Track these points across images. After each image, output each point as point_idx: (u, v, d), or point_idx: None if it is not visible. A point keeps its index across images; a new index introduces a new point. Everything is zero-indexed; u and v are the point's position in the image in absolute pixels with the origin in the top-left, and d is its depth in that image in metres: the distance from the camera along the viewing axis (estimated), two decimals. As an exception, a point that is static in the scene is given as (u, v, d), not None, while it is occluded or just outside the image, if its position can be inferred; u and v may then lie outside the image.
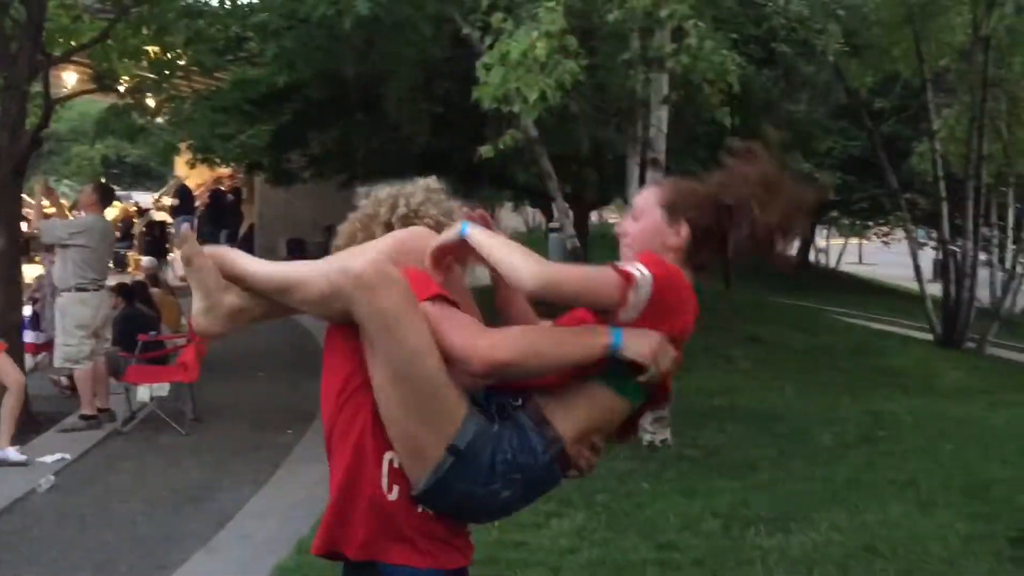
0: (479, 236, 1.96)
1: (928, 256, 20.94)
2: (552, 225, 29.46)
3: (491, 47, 5.72)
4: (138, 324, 8.55)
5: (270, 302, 2.06)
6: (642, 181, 7.07)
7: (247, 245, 17.89)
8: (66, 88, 10.09)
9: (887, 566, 4.32)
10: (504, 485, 1.90)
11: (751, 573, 4.33)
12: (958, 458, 6.49)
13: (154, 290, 10.30)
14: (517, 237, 2.02)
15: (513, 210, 33.32)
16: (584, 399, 1.95)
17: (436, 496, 1.90)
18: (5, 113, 7.15)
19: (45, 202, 8.50)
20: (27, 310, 8.74)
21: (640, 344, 1.89)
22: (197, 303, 2.05)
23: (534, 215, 30.57)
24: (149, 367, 7.86)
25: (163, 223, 17.96)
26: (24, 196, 8.46)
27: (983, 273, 15.64)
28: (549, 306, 1.97)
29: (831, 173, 20.44)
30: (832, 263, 35.14)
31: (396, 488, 1.92)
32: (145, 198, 20.29)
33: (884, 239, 32.26)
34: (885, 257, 34.58)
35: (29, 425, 6.96)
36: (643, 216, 2.09)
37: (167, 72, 7.81)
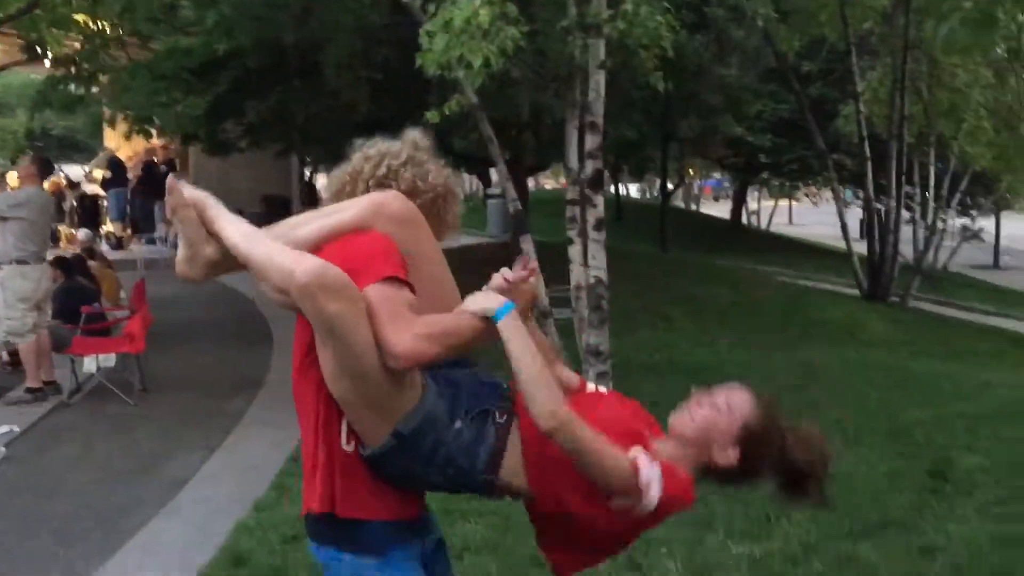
0: (511, 333, 1.96)
1: (855, 215, 21.63)
2: (490, 191, 29.52)
3: (434, 15, 5.80)
4: (79, 297, 8.48)
5: None
6: (581, 144, 7.25)
7: (183, 217, 17.62)
8: (-7, 60, 9.86)
9: (817, 501, 4.61)
10: (437, 473, 2.04)
11: (691, 512, 4.57)
12: (882, 403, 6.87)
13: (91, 263, 10.20)
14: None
15: (450, 177, 33.21)
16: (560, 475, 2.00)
17: (377, 465, 2.05)
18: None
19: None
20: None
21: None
22: (181, 251, 2.16)
23: (471, 182, 30.61)
24: (95, 339, 7.83)
25: (95, 196, 17.58)
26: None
27: (906, 230, 16.25)
28: None
29: (762, 135, 20.95)
30: (763, 224, 35.89)
31: (352, 443, 2.06)
32: (75, 171, 19.79)
33: (813, 199, 33.12)
34: (814, 217, 35.49)
35: (-29, 401, 6.91)
36: (721, 412, 2.08)
37: (100, 41, 7.68)
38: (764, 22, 10.34)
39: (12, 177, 10.87)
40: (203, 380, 8.15)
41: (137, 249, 14.80)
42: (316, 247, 2.05)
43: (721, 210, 37.52)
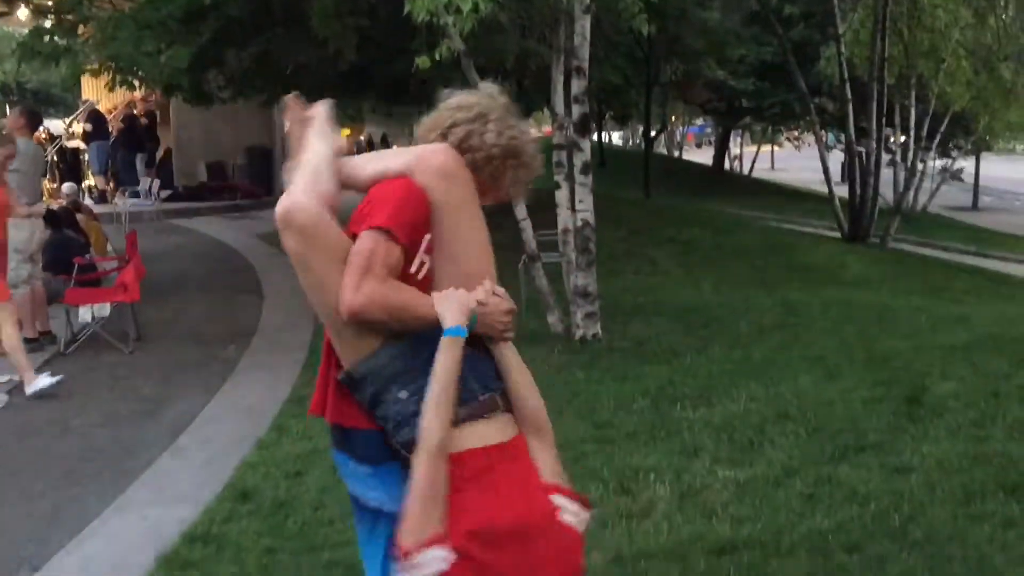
0: (445, 353, 2.04)
1: (837, 159, 21.79)
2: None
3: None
4: (69, 249, 8.56)
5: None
6: (567, 89, 7.33)
7: (165, 169, 17.57)
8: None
9: (798, 428, 4.82)
10: (377, 419, 2.16)
11: (679, 440, 4.79)
12: (861, 336, 7.07)
13: (79, 215, 10.24)
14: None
15: (432, 127, 32.99)
16: None
17: (343, 390, 2.22)
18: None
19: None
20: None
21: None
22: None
23: (454, 131, 30.54)
24: (89, 289, 7.92)
25: (76, 150, 17.45)
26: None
27: (887, 173, 16.42)
28: None
29: (745, 79, 20.99)
30: (746, 170, 36.00)
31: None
32: (55, 124, 19.59)
33: (795, 144, 33.21)
34: (796, 163, 35.63)
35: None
36: None
37: (82, -10, 7.63)
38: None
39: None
40: (196, 330, 8.26)
41: (121, 203, 14.77)
42: (371, 186, 2.20)
43: (704, 157, 37.57)
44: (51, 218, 8.66)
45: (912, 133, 16.34)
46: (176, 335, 8.07)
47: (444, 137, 2.25)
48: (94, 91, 17.04)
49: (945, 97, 15.77)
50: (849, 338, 7.01)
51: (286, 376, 6.61)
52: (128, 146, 16.68)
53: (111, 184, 16.75)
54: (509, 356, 2.15)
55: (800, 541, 3.54)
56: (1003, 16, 15.72)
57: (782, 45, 16.20)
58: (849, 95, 14.92)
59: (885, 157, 16.25)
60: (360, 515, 2.33)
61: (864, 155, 14.98)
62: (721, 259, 11.95)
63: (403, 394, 2.09)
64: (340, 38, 8.05)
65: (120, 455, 5.17)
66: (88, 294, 7.71)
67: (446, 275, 2.15)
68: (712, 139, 40.39)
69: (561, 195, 7.40)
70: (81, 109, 18.65)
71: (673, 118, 38.65)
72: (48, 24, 8.19)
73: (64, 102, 32.20)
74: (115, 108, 18.28)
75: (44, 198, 14.18)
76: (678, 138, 45.49)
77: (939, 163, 22.81)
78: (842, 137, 18.05)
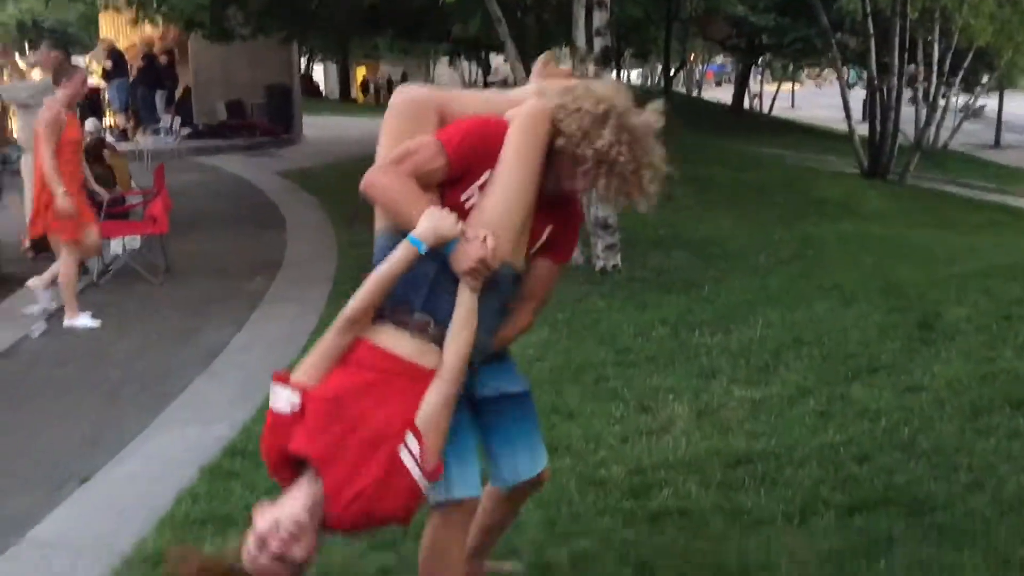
0: (396, 257, 2.15)
1: (857, 98, 21.55)
2: (490, 79, 29.13)
3: None
4: (98, 182, 8.67)
5: None
6: (588, 23, 7.33)
7: (185, 107, 17.63)
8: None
9: (812, 351, 4.96)
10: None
11: (697, 364, 4.94)
12: (877, 266, 7.17)
13: (104, 151, 10.34)
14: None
15: (449, 64, 32.89)
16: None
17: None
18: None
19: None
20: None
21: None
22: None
23: (471, 68, 30.23)
24: (120, 221, 8.06)
25: (95, 88, 17.51)
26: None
27: (909, 111, 16.27)
28: None
29: (765, 15, 20.69)
30: (765, 109, 35.63)
31: None
32: (78, 62, 19.61)
33: (816, 81, 32.81)
34: (816, 100, 35.23)
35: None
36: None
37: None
38: None
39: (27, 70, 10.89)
40: (223, 263, 8.40)
41: (142, 140, 14.88)
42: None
43: (723, 95, 37.16)
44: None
45: (935, 69, 16.15)
46: (203, 268, 8.22)
47: (560, 111, 2.27)
48: (112, 29, 17.04)
49: (968, 31, 15.53)
50: (865, 268, 7.10)
51: (313, 307, 6.76)
52: (148, 84, 16.74)
53: (132, 122, 16.84)
54: (462, 299, 2.18)
55: (812, 453, 3.69)
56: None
57: (804, -22, 15.97)
58: (871, 30, 14.74)
59: (907, 94, 16.10)
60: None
61: (885, 91, 14.85)
62: (740, 195, 11.97)
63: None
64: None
65: (157, 379, 5.34)
66: (119, 226, 7.86)
67: (473, 217, 2.23)
68: (731, 78, 39.87)
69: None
70: (99, 47, 18.66)
71: (692, 56, 38.15)
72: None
73: (80, 41, 32.15)
74: (133, 47, 18.29)
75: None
76: (697, 76, 44.95)
77: (961, 99, 22.53)
78: (863, 74, 17.85)
